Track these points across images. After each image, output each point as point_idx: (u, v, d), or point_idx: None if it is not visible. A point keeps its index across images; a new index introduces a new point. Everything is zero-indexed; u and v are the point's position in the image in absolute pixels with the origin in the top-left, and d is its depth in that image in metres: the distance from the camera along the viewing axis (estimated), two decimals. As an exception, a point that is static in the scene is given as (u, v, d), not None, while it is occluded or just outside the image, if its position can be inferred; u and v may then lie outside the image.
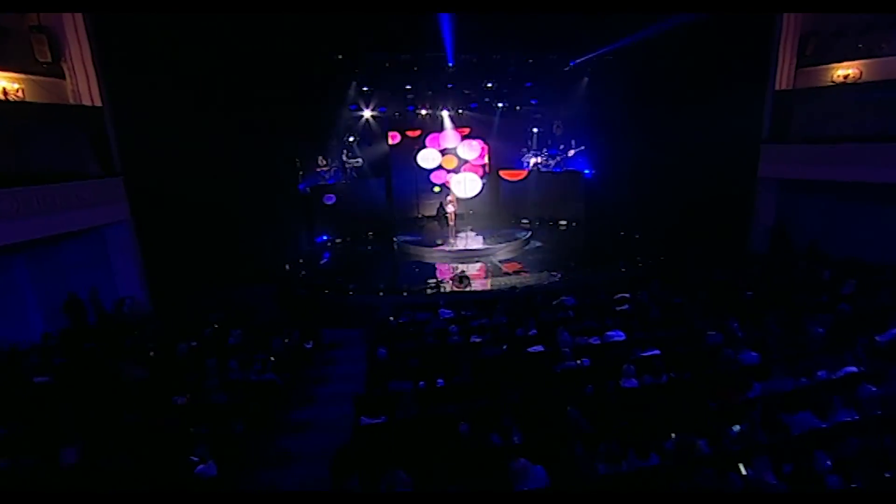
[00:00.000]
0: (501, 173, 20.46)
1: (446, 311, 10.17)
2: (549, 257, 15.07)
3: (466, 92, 18.33)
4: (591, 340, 8.45)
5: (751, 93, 14.59)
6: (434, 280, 12.48)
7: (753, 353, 7.32)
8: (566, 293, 11.13)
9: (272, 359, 8.19)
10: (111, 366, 8.12)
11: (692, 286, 11.58)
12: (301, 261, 15.72)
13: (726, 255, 14.56)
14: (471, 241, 16.66)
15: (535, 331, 8.95)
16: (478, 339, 8.76)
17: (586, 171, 19.34)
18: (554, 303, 10.70)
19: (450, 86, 17.74)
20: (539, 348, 8.17)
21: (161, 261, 12.71)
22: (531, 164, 20.32)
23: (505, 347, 8.26)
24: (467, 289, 11.86)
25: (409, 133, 19.80)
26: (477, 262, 15.04)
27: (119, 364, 8.03)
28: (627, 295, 10.90)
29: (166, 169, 12.26)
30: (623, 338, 8.45)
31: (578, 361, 7.55)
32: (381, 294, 11.83)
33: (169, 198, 12.48)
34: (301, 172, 18.43)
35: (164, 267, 12.76)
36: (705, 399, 6.37)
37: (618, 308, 10.18)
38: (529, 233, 17.13)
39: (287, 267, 14.98)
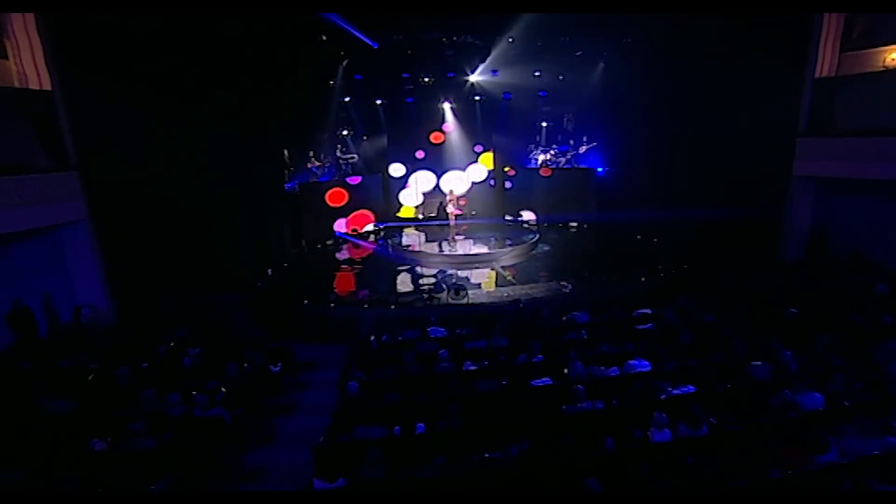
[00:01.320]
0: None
1: (437, 329, 8.72)
2: (558, 264, 13.55)
3: (468, 80, 16.80)
4: (608, 372, 6.97)
5: (786, 81, 12.94)
6: (427, 287, 11.03)
7: (817, 395, 5.80)
8: (577, 307, 9.65)
9: (223, 389, 6.79)
10: (31, 395, 6.77)
11: (725, 301, 10.04)
12: (285, 265, 14.34)
13: (758, 263, 12.98)
14: (472, 244, 15.21)
15: (540, 356, 7.49)
16: (472, 367, 7.31)
17: (599, 169, 17.78)
18: (563, 319, 9.22)
19: (450, 74, 16.26)
20: (546, 381, 6.70)
21: (125, 265, 11.39)
22: (539, 162, 18.80)
23: (504, 382, 6.79)
24: (464, 301, 10.39)
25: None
26: (478, 267, 13.58)
27: (39, 395, 6.67)
28: (649, 311, 9.39)
29: (130, 162, 10.91)
30: (648, 368, 6.96)
31: (594, 403, 6.08)
32: (366, 306, 10.40)
33: (133, 195, 11.13)
34: (291, 169, 17.09)
35: (128, 271, 11.44)
36: (762, 462, 4.88)
37: (639, 328, 8.68)
38: (537, 235, 15.62)
39: (269, 272, 13.61)
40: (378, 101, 17.53)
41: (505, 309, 9.62)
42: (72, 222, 10.48)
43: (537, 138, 18.88)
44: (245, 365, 7.57)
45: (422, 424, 5.82)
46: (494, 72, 16.36)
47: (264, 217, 14.88)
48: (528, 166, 18.97)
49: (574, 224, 17.82)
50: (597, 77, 16.58)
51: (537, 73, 16.48)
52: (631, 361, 7.04)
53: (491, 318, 9.34)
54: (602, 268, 12.77)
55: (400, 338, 8.66)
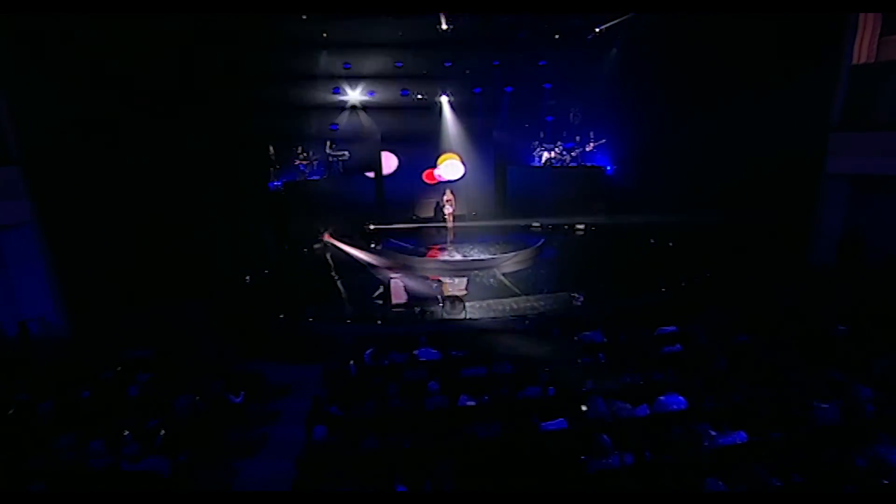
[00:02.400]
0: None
1: (429, 351, 7.45)
2: (566, 272, 12.28)
3: (468, 72, 15.53)
4: (636, 411, 5.70)
5: (818, 69, 11.68)
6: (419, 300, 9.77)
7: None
8: (591, 325, 8.38)
9: (162, 432, 5.52)
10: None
11: (758, 316, 8.77)
12: (266, 271, 13.07)
13: (784, 271, 11.72)
14: (471, 248, 13.93)
15: (552, 389, 6.23)
16: (469, 403, 6.04)
17: (608, 168, 16.53)
18: (576, 338, 7.95)
19: (447, 64, 14.98)
20: (560, 424, 5.43)
21: (80, 272, 10.16)
22: (543, 160, 17.52)
23: (508, 425, 5.51)
24: (461, 315, 9.11)
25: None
26: (478, 275, 12.31)
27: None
28: (674, 329, 8.14)
29: (87, 158, 9.72)
30: (684, 405, 5.70)
31: (622, 456, 4.81)
32: (349, 322, 9.13)
33: (92, 194, 9.95)
34: (277, 166, 15.83)
35: (84, 280, 10.21)
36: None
37: (665, 350, 7.41)
38: (543, 240, 14.34)
39: (248, 279, 12.35)
40: (371, 95, 16.25)
41: (509, 326, 8.34)
42: (15, 225, 9.23)
43: (541, 135, 17.61)
44: (197, 399, 6.28)
45: (402, 486, 4.55)
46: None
47: (244, 219, 13.62)
48: (532, 164, 17.72)
49: (581, 227, 16.54)
50: (608, 66, 15.27)
51: (543, 63, 15.20)
52: (662, 397, 5.78)
53: (493, 335, 8.09)
54: (615, 276, 11.50)
55: (385, 361, 7.38)
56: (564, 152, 17.33)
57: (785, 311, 9.07)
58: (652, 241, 14.64)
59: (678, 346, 7.48)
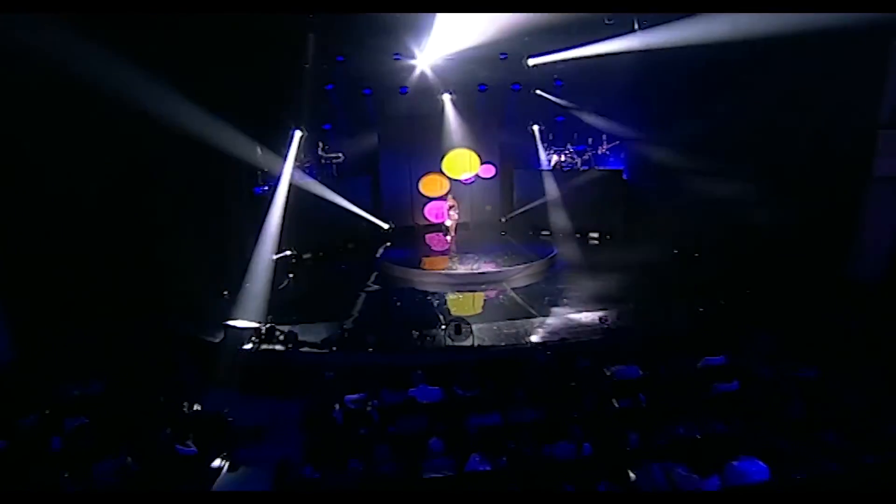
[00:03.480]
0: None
1: (429, 389, 6.05)
2: (584, 285, 10.92)
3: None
4: (705, 484, 4.29)
5: (864, 58, 10.34)
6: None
7: None
8: (622, 352, 7.01)
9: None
10: None
11: (816, 343, 7.38)
12: (248, 284, 11.68)
13: (826, 287, 10.34)
14: (477, 260, 12.56)
15: (588, 445, 4.84)
16: (482, 467, 4.64)
17: (622, 171, 15.24)
18: (607, 373, 6.57)
19: (448, 58, 13.68)
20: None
21: (29, 288, 8.81)
22: (552, 164, 16.21)
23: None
24: (469, 342, 7.72)
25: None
26: (485, 290, 10.96)
27: None
28: (723, 359, 6.75)
29: (33, 149, 8.41)
30: (766, 476, 4.31)
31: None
32: (333, 349, 7.74)
33: (38, 192, 8.62)
34: (264, 170, 14.52)
35: (34, 297, 8.86)
36: None
37: (719, 388, 6.02)
38: (555, 250, 12.98)
39: (225, 294, 10.98)
40: (367, 92, 14.98)
41: (525, 356, 6.96)
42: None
43: (550, 136, 16.30)
44: (129, 460, 4.87)
45: None
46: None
47: (225, 226, 12.25)
48: (539, 168, 16.41)
49: (595, 235, 15.20)
50: (625, 59, 13.92)
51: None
52: (736, 462, 4.38)
53: (505, 366, 6.72)
54: (641, 292, 10.14)
55: (375, 402, 5.98)
56: (575, 155, 16.02)
57: (849, 336, 7.69)
58: (675, 250, 13.25)
59: (735, 382, 6.08)
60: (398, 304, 10.25)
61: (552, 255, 12.69)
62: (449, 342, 7.70)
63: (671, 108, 13.35)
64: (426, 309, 9.94)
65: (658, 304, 9.43)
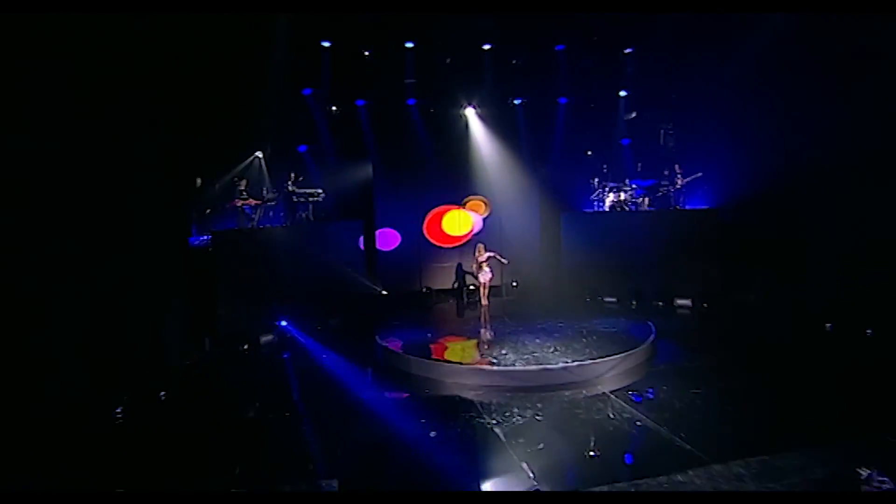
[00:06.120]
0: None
1: None
2: (713, 399, 6.26)
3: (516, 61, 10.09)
4: None
5: None
6: None
7: None
8: None
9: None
10: None
11: None
12: (162, 394, 6.73)
13: None
14: (528, 344, 7.84)
15: None
16: None
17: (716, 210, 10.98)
18: None
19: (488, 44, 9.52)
20: None
21: None
22: (607, 204, 11.91)
23: None
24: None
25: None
26: (556, 395, 6.23)
27: None
28: None
29: None
30: None
31: None
32: None
33: None
34: (207, 210, 9.96)
35: None
36: None
37: None
38: (653, 331, 8.29)
39: (156, 393, 6.00)
40: (360, 103, 10.68)
41: None
42: None
43: (604, 167, 12.06)
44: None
45: None
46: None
47: (134, 296, 7.40)
48: (588, 210, 12.11)
49: (685, 303, 10.66)
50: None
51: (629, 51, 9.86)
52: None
53: None
54: (790, 400, 5.57)
55: None
56: (638, 192, 11.76)
57: None
58: (828, 325, 8.72)
59: None
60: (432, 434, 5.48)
61: (651, 338, 8.02)
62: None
63: (784, 130, 9.36)
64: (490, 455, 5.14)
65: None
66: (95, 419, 6.08)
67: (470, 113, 11.21)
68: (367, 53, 10.05)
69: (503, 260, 10.20)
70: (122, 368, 7.04)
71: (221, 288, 9.03)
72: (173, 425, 6.15)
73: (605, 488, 4.35)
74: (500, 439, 5.44)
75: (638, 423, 5.68)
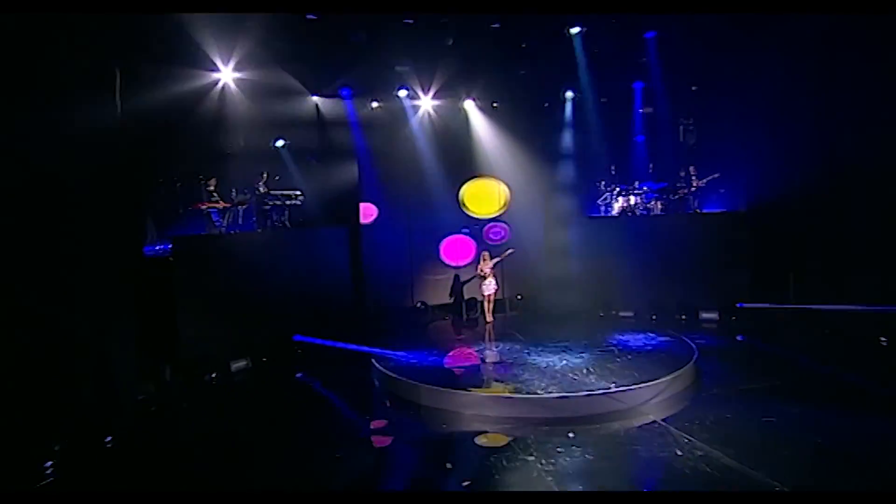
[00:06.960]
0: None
1: None
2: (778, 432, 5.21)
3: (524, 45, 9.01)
4: None
5: None
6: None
7: None
8: None
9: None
10: None
11: None
12: (108, 440, 5.25)
13: None
14: (555, 365, 6.65)
15: None
16: None
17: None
18: None
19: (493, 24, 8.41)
20: None
21: None
22: (616, 209, 10.94)
23: None
24: None
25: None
26: (603, 428, 5.07)
27: None
28: None
29: None
30: None
31: None
32: None
33: None
34: (159, 217, 8.52)
35: None
36: None
37: None
38: (695, 350, 7.19)
39: (100, 438, 4.50)
40: (345, 92, 9.43)
41: None
42: None
43: (612, 169, 11.10)
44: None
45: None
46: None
47: (73, 317, 5.86)
48: (599, 215, 11.12)
49: (711, 316, 9.66)
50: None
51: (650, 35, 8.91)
52: None
53: None
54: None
55: None
56: (649, 196, 10.82)
57: None
58: (882, 338, 7.79)
59: None
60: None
61: (694, 357, 6.92)
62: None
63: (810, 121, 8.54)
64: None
65: None
66: (13, 477, 4.59)
67: (469, 105, 10.10)
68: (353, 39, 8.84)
69: (509, 251, 9.34)
70: (56, 408, 5.51)
71: (184, 304, 7.56)
72: (120, 482, 4.70)
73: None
74: (551, 487, 4.20)
75: (715, 460, 4.53)
